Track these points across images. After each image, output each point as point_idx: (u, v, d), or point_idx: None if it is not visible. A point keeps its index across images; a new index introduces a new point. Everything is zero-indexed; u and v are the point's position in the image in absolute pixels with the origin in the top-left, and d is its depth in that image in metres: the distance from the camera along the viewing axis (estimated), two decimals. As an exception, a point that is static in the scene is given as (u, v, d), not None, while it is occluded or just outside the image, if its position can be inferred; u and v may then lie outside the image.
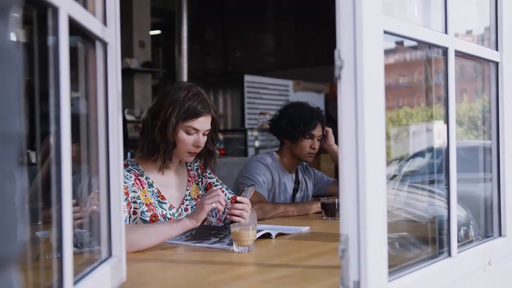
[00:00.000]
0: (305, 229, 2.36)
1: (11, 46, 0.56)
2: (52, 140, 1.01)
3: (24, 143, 0.59)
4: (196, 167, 2.45)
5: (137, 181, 2.20)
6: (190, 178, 2.41)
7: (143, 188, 2.21)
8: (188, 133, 2.22)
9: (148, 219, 2.18)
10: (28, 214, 0.60)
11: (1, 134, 0.53)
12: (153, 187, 2.26)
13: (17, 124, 0.56)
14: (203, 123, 2.23)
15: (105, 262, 1.32)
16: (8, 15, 0.57)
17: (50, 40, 1.00)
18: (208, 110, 2.23)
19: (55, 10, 0.98)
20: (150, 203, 2.21)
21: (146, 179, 2.25)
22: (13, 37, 0.57)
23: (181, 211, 2.31)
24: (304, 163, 3.20)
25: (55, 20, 0.99)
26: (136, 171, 2.24)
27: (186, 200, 2.36)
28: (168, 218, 2.24)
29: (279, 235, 2.20)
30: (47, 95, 1.01)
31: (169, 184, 2.32)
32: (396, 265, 1.32)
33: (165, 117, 2.18)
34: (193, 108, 2.19)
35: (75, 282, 1.08)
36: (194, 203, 2.37)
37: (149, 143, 2.23)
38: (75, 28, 1.10)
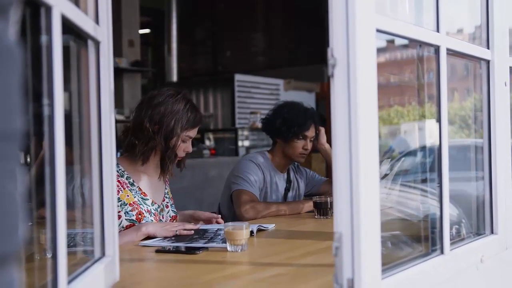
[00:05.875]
0: (271, 226, 2.38)
1: (12, 45, 0.56)
2: (45, 140, 1.00)
3: (23, 142, 0.59)
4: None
5: (117, 182, 2.21)
6: (166, 179, 2.49)
7: (124, 188, 2.23)
8: (184, 141, 2.31)
9: (134, 217, 2.20)
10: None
11: (4, 132, 0.53)
12: (135, 185, 2.30)
13: (18, 122, 0.56)
14: (196, 131, 2.36)
15: (98, 262, 1.31)
16: (9, 14, 0.56)
17: (43, 38, 1.00)
18: (202, 119, 2.37)
19: (48, 8, 0.98)
20: (133, 202, 2.24)
21: (126, 179, 2.28)
22: (13, 35, 0.57)
23: (163, 206, 2.40)
24: (296, 163, 3.20)
25: (48, 19, 0.98)
26: (116, 172, 2.25)
27: (166, 197, 2.45)
28: (153, 213, 2.30)
29: (259, 231, 2.24)
30: (40, 95, 1.00)
31: (149, 183, 2.37)
32: (389, 262, 1.32)
33: (169, 128, 2.25)
34: (194, 120, 2.31)
35: (69, 282, 1.07)
36: (172, 202, 2.48)
37: (150, 150, 2.27)
38: (67, 27, 1.10)
